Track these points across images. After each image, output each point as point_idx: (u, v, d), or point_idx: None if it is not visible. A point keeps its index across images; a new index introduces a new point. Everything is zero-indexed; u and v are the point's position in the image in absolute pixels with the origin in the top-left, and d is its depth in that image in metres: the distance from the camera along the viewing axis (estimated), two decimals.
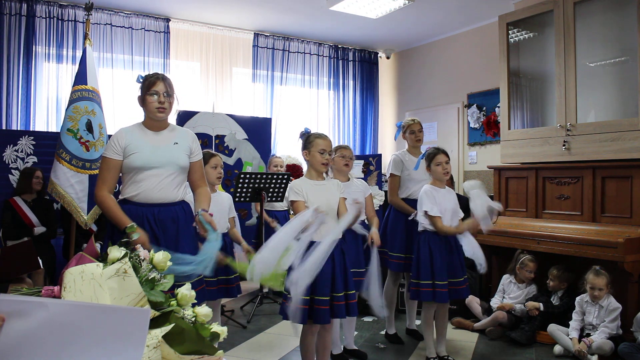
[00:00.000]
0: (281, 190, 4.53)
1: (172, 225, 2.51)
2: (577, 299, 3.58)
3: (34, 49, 5.23)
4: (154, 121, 2.56)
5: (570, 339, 3.44)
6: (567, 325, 3.55)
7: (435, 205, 3.17)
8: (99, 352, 1.02)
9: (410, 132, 3.79)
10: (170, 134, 2.61)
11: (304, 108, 6.89)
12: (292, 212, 2.86)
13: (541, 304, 3.77)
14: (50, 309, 1.00)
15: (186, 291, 1.42)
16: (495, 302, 4.05)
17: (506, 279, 4.12)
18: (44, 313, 1.00)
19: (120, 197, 2.57)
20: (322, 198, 2.69)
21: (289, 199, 2.73)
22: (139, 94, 2.56)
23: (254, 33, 6.43)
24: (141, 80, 2.57)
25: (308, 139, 2.76)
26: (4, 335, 0.96)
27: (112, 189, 2.55)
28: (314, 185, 2.72)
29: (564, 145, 4.04)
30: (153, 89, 2.49)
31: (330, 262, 2.61)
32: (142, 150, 2.50)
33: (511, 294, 4.05)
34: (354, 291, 2.73)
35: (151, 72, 2.63)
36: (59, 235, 4.68)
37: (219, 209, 3.45)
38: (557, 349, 3.50)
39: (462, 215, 3.33)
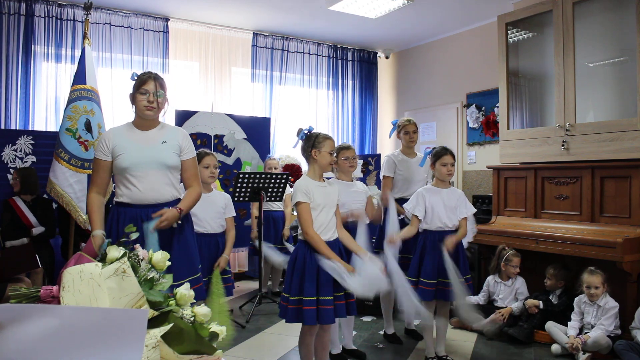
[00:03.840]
0: (280, 190, 4.52)
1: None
2: (576, 299, 3.59)
3: (32, 48, 5.22)
4: (142, 120, 2.56)
5: (568, 336, 3.45)
6: (566, 325, 3.55)
7: (418, 205, 3.21)
8: (98, 355, 1.02)
9: (405, 132, 3.79)
10: (158, 132, 2.59)
11: (303, 108, 6.88)
12: (295, 212, 2.84)
13: (540, 302, 3.77)
14: (49, 314, 1.00)
15: (185, 291, 1.42)
16: (480, 299, 4.08)
17: (491, 279, 4.12)
18: (43, 319, 0.99)
19: (115, 199, 2.57)
20: (326, 199, 2.69)
21: (295, 199, 2.65)
22: (131, 92, 2.56)
23: (253, 33, 6.42)
24: (135, 78, 2.57)
25: (317, 139, 2.73)
26: (3, 343, 0.96)
27: (102, 190, 2.55)
28: (318, 186, 2.70)
29: (562, 145, 4.04)
30: (143, 88, 2.50)
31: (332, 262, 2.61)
32: (129, 151, 2.50)
33: (500, 294, 4.04)
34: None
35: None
36: (57, 234, 4.67)
37: (212, 209, 3.41)
38: (555, 347, 3.50)
39: (469, 213, 3.30)
